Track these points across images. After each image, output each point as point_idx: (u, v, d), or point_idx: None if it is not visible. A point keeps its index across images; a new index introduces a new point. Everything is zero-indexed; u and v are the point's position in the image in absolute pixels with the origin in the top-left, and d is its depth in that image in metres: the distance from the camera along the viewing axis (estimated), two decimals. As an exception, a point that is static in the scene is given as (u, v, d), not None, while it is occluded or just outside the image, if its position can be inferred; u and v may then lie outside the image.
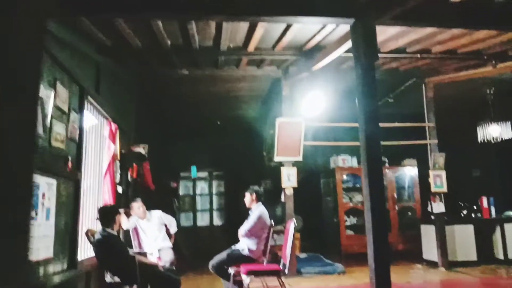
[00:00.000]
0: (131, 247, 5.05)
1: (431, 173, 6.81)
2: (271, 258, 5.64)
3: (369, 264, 3.22)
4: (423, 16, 3.97)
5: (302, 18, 3.79)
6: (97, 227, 4.28)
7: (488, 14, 4.15)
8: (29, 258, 2.83)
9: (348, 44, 4.25)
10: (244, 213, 5.03)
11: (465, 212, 7.52)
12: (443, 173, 6.79)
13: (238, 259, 4.57)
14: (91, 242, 3.90)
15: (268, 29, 4.84)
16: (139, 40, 4.98)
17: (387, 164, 8.60)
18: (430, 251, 7.01)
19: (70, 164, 3.83)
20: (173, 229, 5.37)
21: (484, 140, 6.66)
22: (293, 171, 6.53)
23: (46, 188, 3.33)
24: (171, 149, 9.66)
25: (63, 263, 3.71)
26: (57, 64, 3.55)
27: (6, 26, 1.32)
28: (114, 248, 3.78)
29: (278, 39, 5.18)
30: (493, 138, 6.52)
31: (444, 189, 6.78)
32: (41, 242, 3.23)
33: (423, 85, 6.97)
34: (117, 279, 3.89)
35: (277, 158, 6.53)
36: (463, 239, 6.91)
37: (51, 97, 3.37)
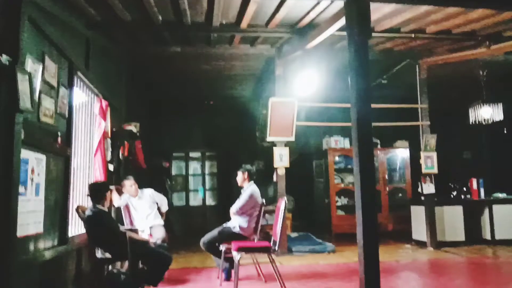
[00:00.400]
0: (122, 224, 5.06)
1: (422, 154, 6.86)
2: (263, 237, 5.68)
3: (357, 241, 3.25)
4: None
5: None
6: (88, 203, 4.27)
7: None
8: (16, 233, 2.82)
9: (342, 21, 4.20)
10: (236, 193, 5.04)
11: (454, 193, 7.62)
12: (434, 155, 6.84)
13: (229, 236, 4.60)
14: (81, 218, 3.90)
15: (261, 5, 4.76)
16: (129, 15, 4.88)
17: (379, 146, 8.65)
18: (419, 231, 7.12)
19: (59, 140, 3.79)
20: (164, 208, 5.38)
21: (475, 122, 6.69)
22: (286, 151, 6.53)
23: (35, 163, 3.30)
24: (163, 129, 9.60)
25: (54, 239, 3.71)
26: (45, 37, 3.48)
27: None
28: (105, 224, 3.78)
29: (271, 15, 5.11)
30: (484, 119, 6.55)
31: (435, 170, 6.84)
32: (31, 217, 3.22)
33: (417, 67, 6.95)
34: (108, 255, 3.90)
35: (269, 138, 6.52)
36: (452, 219, 7.01)
37: (39, 71, 3.30)
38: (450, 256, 6.06)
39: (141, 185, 5.48)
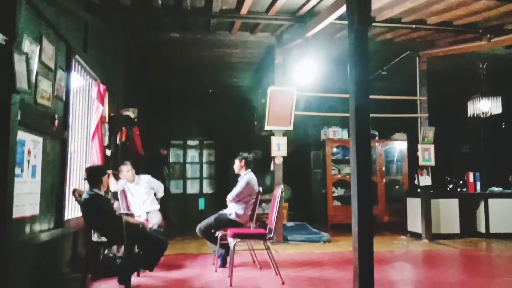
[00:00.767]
0: (118, 209, 5.07)
1: (419, 146, 6.87)
2: (259, 226, 5.71)
3: (352, 231, 3.27)
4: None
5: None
6: (85, 187, 4.28)
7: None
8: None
9: (343, 9, 4.17)
10: (234, 182, 5.05)
11: (451, 186, 7.64)
12: (431, 147, 6.85)
13: (225, 223, 4.62)
14: (78, 202, 3.90)
15: (261, -10, 4.72)
16: (129, -1, 4.84)
17: (377, 138, 8.65)
18: (414, 223, 7.16)
19: (56, 122, 3.78)
20: (160, 194, 5.40)
21: (474, 115, 6.69)
22: (283, 140, 6.54)
23: (31, 145, 3.29)
24: (162, 116, 9.57)
25: (50, 222, 3.72)
26: (43, 19, 3.44)
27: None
28: (101, 208, 3.78)
29: (272, 2, 5.07)
30: (482, 113, 6.54)
31: (432, 163, 6.86)
32: (27, 199, 3.22)
33: (417, 58, 6.92)
34: (104, 239, 3.91)
35: (267, 127, 6.52)
36: (448, 212, 7.04)
37: (36, 52, 3.28)
38: (444, 248, 6.11)
39: (139, 171, 5.49)
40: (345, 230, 6.95)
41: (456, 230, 6.99)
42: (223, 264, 4.60)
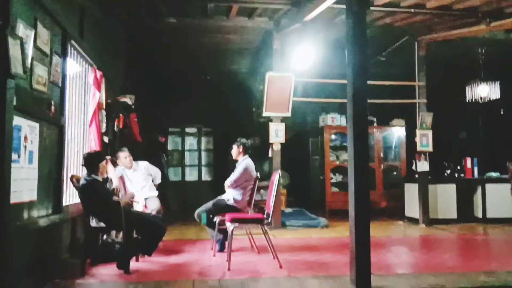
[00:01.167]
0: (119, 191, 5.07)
1: (418, 132, 6.88)
2: (257, 211, 5.73)
3: (349, 214, 3.29)
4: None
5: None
6: (82, 173, 4.28)
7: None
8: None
9: (341, -7, 4.12)
10: (232, 169, 5.05)
11: (448, 171, 7.67)
12: (429, 133, 6.86)
13: (223, 208, 4.64)
14: (76, 188, 3.91)
15: (259, -26, 4.67)
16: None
17: (375, 124, 8.65)
18: (412, 208, 7.20)
19: (53, 108, 3.77)
20: (157, 181, 5.41)
21: (472, 100, 6.68)
22: (281, 126, 6.53)
23: (28, 130, 3.28)
24: (159, 103, 9.53)
25: (48, 208, 3.73)
26: (38, 3, 3.41)
27: None
28: (98, 193, 3.79)
29: (269, -15, 5.01)
30: (481, 98, 6.53)
31: (430, 148, 6.87)
32: (24, 184, 3.23)
33: (416, 44, 6.88)
34: (102, 224, 3.93)
35: (265, 113, 6.51)
36: (445, 197, 7.08)
37: (31, 37, 3.25)
38: (441, 233, 6.16)
39: (137, 159, 5.49)
40: (343, 216, 6.97)
41: (453, 215, 7.04)
42: (222, 249, 4.63)
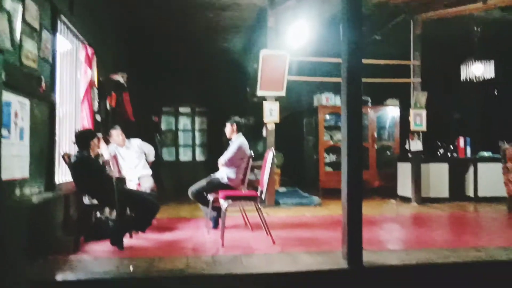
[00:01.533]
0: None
1: (412, 111, 6.88)
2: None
3: (341, 190, 3.31)
4: None
5: None
6: (75, 151, 4.25)
7: None
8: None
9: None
10: (226, 149, 5.04)
11: (441, 151, 7.72)
12: (423, 112, 6.87)
13: (217, 186, 4.65)
14: (68, 165, 3.89)
15: None
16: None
17: (369, 104, 8.63)
18: (404, 187, 7.27)
19: (43, 85, 3.72)
20: (151, 158, 5.40)
21: (467, 79, 6.67)
22: (276, 106, 6.51)
23: (18, 107, 3.24)
24: (152, 82, 9.43)
25: (40, 185, 3.72)
26: (24, -24, 3.31)
27: None
28: (90, 169, 3.78)
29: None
30: (475, 76, 6.53)
31: (423, 128, 6.90)
32: (16, 161, 3.20)
33: (412, 22, 6.82)
34: (95, 201, 3.93)
35: (260, 93, 6.47)
36: (437, 176, 7.15)
37: (18, 11, 3.17)
38: (433, 211, 6.24)
39: (130, 139, 5.45)
40: (336, 195, 6.95)
41: (445, 194, 7.12)
42: (215, 226, 4.66)
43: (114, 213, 4.17)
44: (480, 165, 7.22)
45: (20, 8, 3.20)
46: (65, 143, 4.53)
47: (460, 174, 7.37)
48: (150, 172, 5.29)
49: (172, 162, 10.48)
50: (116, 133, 5.15)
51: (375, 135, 8.54)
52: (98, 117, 5.33)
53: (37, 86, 3.61)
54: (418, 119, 6.87)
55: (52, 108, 3.95)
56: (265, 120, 6.50)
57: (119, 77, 5.90)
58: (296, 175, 9.16)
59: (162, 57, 9.36)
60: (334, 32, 6.59)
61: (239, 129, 4.97)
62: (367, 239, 3.34)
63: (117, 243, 3.73)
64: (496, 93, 8.96)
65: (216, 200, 4.48)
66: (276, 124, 6.57)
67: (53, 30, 3.99)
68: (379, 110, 8.69)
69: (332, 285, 3.09)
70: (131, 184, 4.95)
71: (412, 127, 6.88)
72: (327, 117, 8.55)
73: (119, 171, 5.10)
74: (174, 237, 4.33)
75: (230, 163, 4.76)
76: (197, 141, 10.79)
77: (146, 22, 7.39)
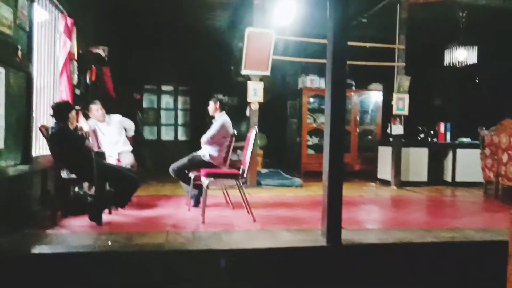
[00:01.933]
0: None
1: (394, 95, 6.92)
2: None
3: (323, 170, 3.32)
4: None
5: None
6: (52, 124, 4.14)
7: None
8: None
9: None
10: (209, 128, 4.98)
11: (422, 136, 7.82)
12: (406, 97, 6.92)
13: (199, 164, 4.61)
14: (45, 138, 3.79)
15: None
16: None
17: (353, 88, 8.65)
18: (384, 171, 7.37)
19: (20, 53, 3.58)
20: (131, 133, 5.31)
21: (450, 64, 6.73)
22: (260, 85, 6.45)
23: (-8, 75, 3.12)
24: (134, 57, 9.16)
25: (16, 157, 3.61)
26: None
27: None
28: (68, 140, 3.68)
29: None
30: (458, 62, 6.59)
31: (406, 112, 6.96)
32: (-10, 131, 3.10)
33: (398, 5, 6.80)
34: (73, 176, 3.85)
35: (244, 71, 6.39)
36: (417, 161, 7.26)
37: (-8, -27, 3.02)
38: (411, 194, 6.36)
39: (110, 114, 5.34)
40: (318, 177, 7.00)
41: (424, 178, 7.25)
42: (196, 204, 4.65)
43: (93, 188, 4.11)
44: (459, 151, 7.35)
45: (-6, -30, 3.05)
46: (43, 116, 4.40)
47: (439, 159, 7.50)
48: (130, 148, 5.21)
49: (154, 141, 10.34)
50: (96, 108, 5.03)
51: (358, 119, 8.59)
52: (78, 91, 5.18)
53: (13, 54, 3.48)
54: (401, 103, 6.93)
55: (29, 78, 3.81)
56: (249, 99, 6.44)
57: (100, 51, 5.73)
58: (278, 157, 9.17)
59: (145, 33, 9.12)
60: (321, 12, 6.54)
61: (222, 107, 4.92)
62: (346, 219, 3.38)
63: (96, 218, 3.68)
64: (477, 80, 9.09)
65: (197, 178, 4.45)
66: (260, 105, 6.52)
67: (30, -3, 3.83)
68: (363, 94, 8.72)
69: (311, 261, 3.12)
70: (111, 160, 4.86)
71: (395, 111, 6.94)
72: (311, 99, 8.54)
73: (99, 147, 5.00)
74: (154, 214, 4.30)
75: (213, 140, 4.72)
76: (180, 121, 10.66)
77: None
